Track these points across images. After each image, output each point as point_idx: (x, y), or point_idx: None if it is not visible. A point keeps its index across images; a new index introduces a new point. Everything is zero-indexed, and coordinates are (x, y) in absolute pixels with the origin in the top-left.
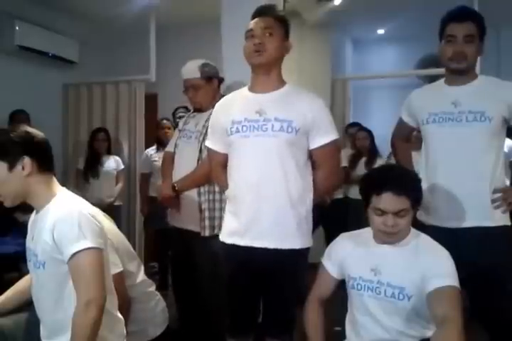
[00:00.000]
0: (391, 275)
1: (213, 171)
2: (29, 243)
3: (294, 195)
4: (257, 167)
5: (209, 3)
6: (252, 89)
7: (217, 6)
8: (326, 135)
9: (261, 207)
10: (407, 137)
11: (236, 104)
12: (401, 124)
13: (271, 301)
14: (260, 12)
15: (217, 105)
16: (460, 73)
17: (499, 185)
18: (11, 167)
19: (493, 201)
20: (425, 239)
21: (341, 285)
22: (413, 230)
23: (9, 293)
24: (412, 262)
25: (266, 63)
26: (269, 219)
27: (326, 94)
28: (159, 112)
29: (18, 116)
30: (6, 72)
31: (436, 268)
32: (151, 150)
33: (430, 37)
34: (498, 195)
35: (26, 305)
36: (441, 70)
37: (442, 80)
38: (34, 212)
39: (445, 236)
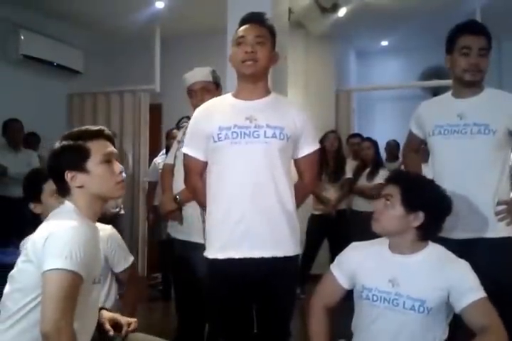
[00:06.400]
0: (411, 287)
1: (190, 179)
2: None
3: (285, 201)
4: (249, 173)
5: (213, 15)
6: (238, 96)
7: (222, 17)
8: (312, 144)
9: (256, 215)
10: (417, 148)
11: (220, 111)
12: (410, 136)
13: (267, 311)
14: (251, 19)
15: (196, 111)
16: (471, 85)
17: (503, 197)
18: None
19: (497, 213)
20: (440, 249)
21: (346, 296)
22: (429, 242)
23: None
24: (434, 274)
25: (257, 73)
26: (264, 228)
27: (331, 105)
28: (163, 122)
29: (12, 125)
30: (11, 82)
31: (465, 282)
32: (159, 158)
33: (433, 49)
34: (503, 207)
35: None
36: (444, 82)
37: (449, 93)
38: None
39: (449, 247)
